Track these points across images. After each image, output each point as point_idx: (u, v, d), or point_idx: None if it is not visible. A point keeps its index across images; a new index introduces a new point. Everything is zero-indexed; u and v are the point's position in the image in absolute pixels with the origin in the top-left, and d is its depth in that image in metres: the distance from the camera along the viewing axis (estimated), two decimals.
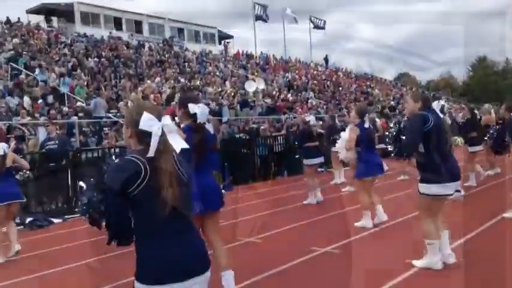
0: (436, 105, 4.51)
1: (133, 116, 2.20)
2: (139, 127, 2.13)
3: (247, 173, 12.96)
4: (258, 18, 43.64)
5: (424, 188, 4.35)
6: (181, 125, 3.92)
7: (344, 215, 7.54)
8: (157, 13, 37.20)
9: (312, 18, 47.86)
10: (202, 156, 3.81)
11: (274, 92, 27.43)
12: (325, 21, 47.75)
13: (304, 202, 8.73)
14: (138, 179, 2.05)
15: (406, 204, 7.54)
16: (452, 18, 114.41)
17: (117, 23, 33.40)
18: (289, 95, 27.80)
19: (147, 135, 2.11)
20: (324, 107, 27.37)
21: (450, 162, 4.40)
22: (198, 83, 23.37)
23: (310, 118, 9.21)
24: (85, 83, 18.59)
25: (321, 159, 8.93)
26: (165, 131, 2.15)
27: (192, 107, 3.83)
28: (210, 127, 8.02)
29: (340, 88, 34.93)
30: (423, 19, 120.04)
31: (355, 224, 6.35)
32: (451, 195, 4.39)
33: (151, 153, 2.08)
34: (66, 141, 10.54)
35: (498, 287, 4.06)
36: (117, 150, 10.24)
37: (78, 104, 16.11)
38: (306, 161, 8.87)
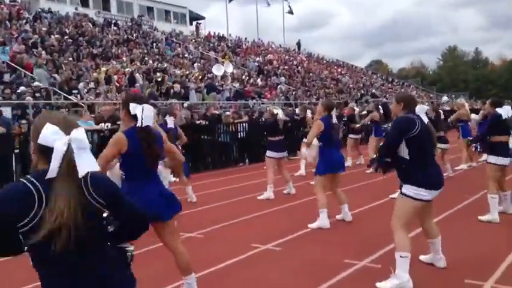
0: (419, 109, 4.16)
1: (38, 128, 1.82)
2: (39, 141, 1.80)
3: (207, 160, 12.73)
4: None
5: (412, 190, 3.96)
6: (124, 129, 3.57)
7: (296, 208, 7.42)
8: None
9: (285, 2, 47.46)
10: (152, 163, 3.52)
11: (243, 77, 27.14)
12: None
13: (259, 198, 8.38)
14: (30, 210, 1.71)
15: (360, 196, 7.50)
16: (425, 7, 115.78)
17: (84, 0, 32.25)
18: (258, 80, 27.55)
19: (50, 151, 1.77)
20: (294, 93, 27.27)
21: (436, 168, 4.16)
22: (166, 65, 22.76)
23: (279, 111, 8.98)
24: (44, 62, 17.86)
25: (283, 154, 8.68)
26: (73, 147, 1.79)
27: (134, 108, 3.42)
28: (170, 121, 7.85)
29: (311, 74, 34.85)
30: (398, 6, 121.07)
31: (309, 225, 6.07)
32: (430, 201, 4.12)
33: (50, 174, 1.76)
34: (8, 123, 9.86)
35: None
36: None
37: (35, 83, 15.46)
38: (268, 153, 8.68)
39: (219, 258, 4.81)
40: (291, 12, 47.44)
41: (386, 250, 4.82)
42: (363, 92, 33.73)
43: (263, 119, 12.07)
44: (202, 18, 42.55)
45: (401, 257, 3.93)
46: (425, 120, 4.10)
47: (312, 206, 6.65)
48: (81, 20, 27.74)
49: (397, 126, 4.08)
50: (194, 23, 40.91)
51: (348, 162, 12.71)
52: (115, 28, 29.06)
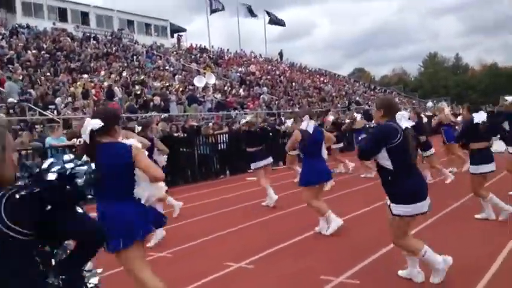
0: (400, 116, 3.96)
1: None
2: None
3: (186, 173, 12.45)
4: (213, 11, 42.96)
5: (401, 209, 3.84)
6: None
7: (274, 221, 7.18)
8: (106, 4, 35.90)
9: (269, 12, 47.49)
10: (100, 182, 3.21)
11: (226, 87, 26.94)
12: (277, 18, 47.13)
13: (263, 204, 8.30)
14: None
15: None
16: (406, 15, 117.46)
17: (62, 14, 31.89)
18: (241, 90, 27.38)
19: None
20: (276, 102, 27.14)
21: (420, 177, 4.00)
22: (142, 77, 22.46)
23: (247, 118, 8.80)
24: (20, 77, 17.47)
25: (268, 161, 8.49)
26: None
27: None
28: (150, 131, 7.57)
29: (294, 83, 34.81)
30: (380, 15, 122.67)
31: (325, 232, 5.87)
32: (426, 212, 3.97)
33: None
34: None
35: None
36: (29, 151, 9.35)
37: (10, 100, 15.07)
38: (252, 165, 8.50)
39: (189, 278, 4.54)
40: (277, 23, 47.44)
41: (366, 263, 4.61)
42: (345, 99, 33.82)
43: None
44: (184, 30, 42.41)
45: (423, 256, 3.93)
46: (408, 125, 3.90)
47: (291, 218, 6.43)
48: (59, 34, 27.38)
49: (377, 134, 3.94)
50: (175, 35, 40.75)
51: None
52: (94, 42, 28.72)
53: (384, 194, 4.01)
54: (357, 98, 35.08)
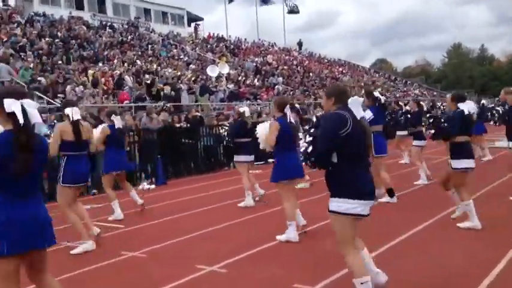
0: (353, 102, 3.54)
1: None
2: None
3: (189, 164, 12.20)
4: (231, 0, 42.58)
5: (340, 204, 3.36)
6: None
7: (257, 220, 6.82)
8: None
9: (287, 1, 46.82)
10: (26, 177, 2.79)
11: (240, 77, 26.58)
12: (296, 5, 46.39)
13: (239, 205, 7.80)
14: None
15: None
16: (433, 4, 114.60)
17: (79, 3, 31.87)
18: (255, 80, 27.00)
19: None
20: (291, 93, 26.67)
21: (368, 176, 3.51)
22: (154, 66, 22.27)
23: (245, 109, 8.41)
24: (30, 65, 17.44)
25: (250, 158, 8.00)
26: None
27: (9, 104, 2.77)
28: (117, 121, 7.33)
29: (311, 74, 34.22)
30: (404, 3, 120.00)
31: (277, 237, 5.48)
32: (367, 215, 3.46)
33: None
34: None
35: None
36: None
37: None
38: (236, 157, 8.14)
39: (153, 283, 4.27)
40: (293, 11, 46.76)
41: (343, 274, 4.22)
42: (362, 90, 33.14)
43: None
44: (201, 19, 42.10)
45: (361, 283, 3.33)
46: (360, 115, 3.46)
47: (274, 218, 6.08)
48: (75, 23, 27.38)
49: (326, 126, 3.39)
50: (192, 24, 40.48)
51: None
52: (110, 31, 28.64)
53: None
54: (374, 88, 34.41)
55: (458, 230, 5.56)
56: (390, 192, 7.48)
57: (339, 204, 3.36)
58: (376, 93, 7.60)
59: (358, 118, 3.43)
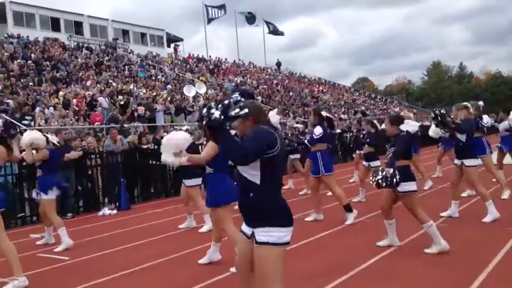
0: (273, 116, 3.19)
1: None
2: None
3: (158, 187, 11.77)
4: (210, 20, 42.59)
5: (274, 233, 2.91)
6: None
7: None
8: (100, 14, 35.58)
9: (269, 22, 46.99)
10: None
11: (218, 97, 26.31)
12: (276, 28, 46.63)
13: (200, 231, 7.34)
14: None
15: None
16: (414, 23, 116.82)
17: (55, 24, 31.53)
18: None
19: None
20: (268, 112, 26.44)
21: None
22: (130, 87, 21.93)
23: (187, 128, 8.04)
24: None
25: (197, 181, 7.50)
26: None
27: None
28: (55, 140, 6.91)
29: (291, 93, 34.17)
30: (386, 23, 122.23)
31: (231, 269, 4.89)
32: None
33: None
34: None
35: None
36: None
37: None
38: (186, 182, 7.49)
39: None
40: (276, 33, 46.95)
41: None
42: (346, 109, 33.17)
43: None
44: (181, 40, 42.02)
45: None
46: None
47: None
48: (51, 44, 26.99)
49: (260, 139, 2.92)
50: (172, 45, 40.35)
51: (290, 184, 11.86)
52: (87, 52, 28.29)
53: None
54: (362, 108, 34.48)
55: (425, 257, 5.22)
56: (348, 208, 7.23)
57: (270, 235, 2.93)
58: (324, 113, 7.44)
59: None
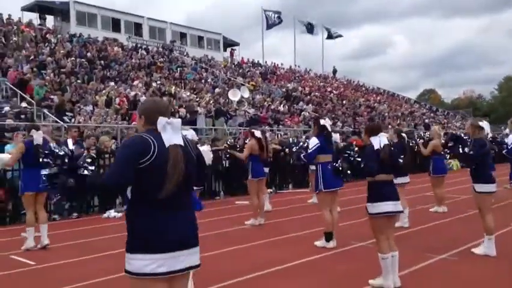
0: (163, 122, 2.62)
1: None
2: None
3: None
4: (269, 26, 42.44)
5: (136, 261, 2.47)
6: None
7: None
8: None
9: (328, 28, 46.18)
10: None
11: (265, 103, 25.96)
12: (333, 32, 45.77)
13: None
14: None
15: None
16: (488, 34, 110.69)
17: (115, 25, 32.60)
18: (280, 106, 26.29)
19: None
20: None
21: (181, 220, 2.55)
22: (173, 88, 22.08)
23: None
24: (45, 83, 17.57)
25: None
26: None
27: None
28: (38, 136, 6.72)
29: (344, 101, 33.16)
30: (459, 34, 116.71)
31: None
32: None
33: None
34: None
35: None
36: None
37: (23, 104, 15.09)
38: None
39: None
40: (330, 37, 46.08)
41: None
42: (402, 121, 31.68)
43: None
44: (237, 44, 42.17)
45: None
46: (174, 142, 2.54)
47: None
48: (109, 44, 27.84)
49: (122, 151, 2.56)
50: (228, 49, 40.60)
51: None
52: (143, 52, 28.93)
53: None
54: (426, 121, 32.99)
55: None
56: (328, 236, 6.47)
57: (132, 262, 2.51)
58: (323, 121, 6.73)
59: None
